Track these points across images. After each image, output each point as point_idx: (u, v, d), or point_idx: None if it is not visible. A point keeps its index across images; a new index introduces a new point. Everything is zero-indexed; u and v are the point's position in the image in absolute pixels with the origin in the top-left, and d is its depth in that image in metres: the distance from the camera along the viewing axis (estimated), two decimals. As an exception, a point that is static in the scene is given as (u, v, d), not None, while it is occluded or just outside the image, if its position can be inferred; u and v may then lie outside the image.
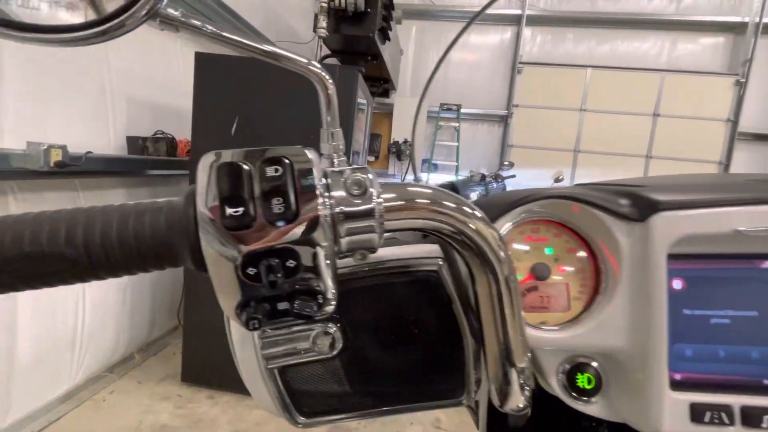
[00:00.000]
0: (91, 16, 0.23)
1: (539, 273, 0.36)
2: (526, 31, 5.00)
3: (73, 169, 1.62)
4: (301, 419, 0.40)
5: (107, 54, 2.01)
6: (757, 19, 4.41)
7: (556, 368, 0.36)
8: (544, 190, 0.35)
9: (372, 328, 0.40)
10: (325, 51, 3.26)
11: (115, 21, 0.23)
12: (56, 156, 1.52)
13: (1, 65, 1.52)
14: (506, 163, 4.03)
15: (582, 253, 0.36)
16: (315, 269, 0.24)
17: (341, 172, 0.25)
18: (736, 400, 0.32)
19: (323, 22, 2.85)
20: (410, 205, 0.26)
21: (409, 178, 5.02)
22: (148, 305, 2.41)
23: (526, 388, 0.31)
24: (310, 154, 0.24)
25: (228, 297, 0.23)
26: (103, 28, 0.23)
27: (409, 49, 5.26)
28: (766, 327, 0.32)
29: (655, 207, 0.31)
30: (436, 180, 5.18)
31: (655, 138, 4.76)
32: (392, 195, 0.25)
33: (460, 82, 5.23)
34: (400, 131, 5.23)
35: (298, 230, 0.23)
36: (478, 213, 0.27)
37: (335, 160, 0.34)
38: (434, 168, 5.24)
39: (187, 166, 2.26)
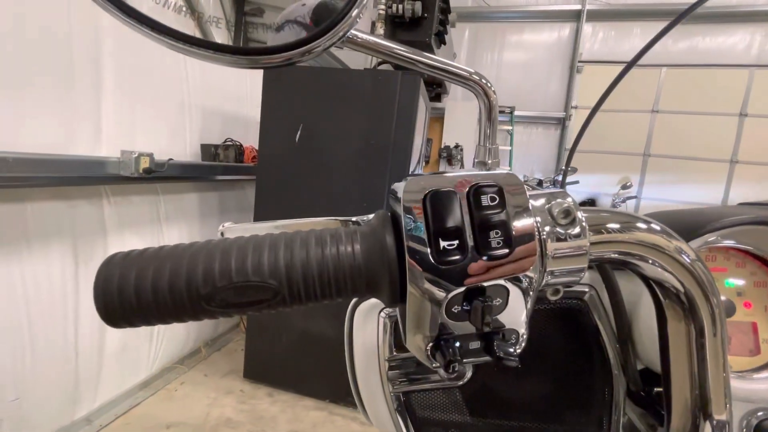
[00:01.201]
0: (292, 37, 0.22)
1: (725, 310, 0.31)
2: (587, 27, 4.71)
3: (158, 174, 1.75)
4: None
5: (186, 68, 2.17)
6: None
7: (738, 422, 0.31)
8: (738, 216, 0.30)
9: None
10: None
11: (310, 45, 0.22)
12: (145, 163, 1.65)
13: (101, 81, 1.68)
14: (569, 168, 3.81)
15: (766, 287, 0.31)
16: (519, 308, 0.21)
17: (540, 197, 0.22)
18: None
19: (380, 29, 2.88)
20: (619, 237, 0.23)
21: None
22: (214, 302, 2.56)
23: None
24: (520, 179, 0.22)
25: (422, 334, 0.22)
26: (300, 50, 0.22)
27: (462, 51, 5.17)
28: None
29: None
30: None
31: (742, 140, 4.27)
32: (599, 223, 0.23)
33: (514, 83, 5.04)
34: (451, 135, 5.15)
35: (514, 267, 0.20)
36: (698, 256, 0.23)
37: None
38: (486, 173, 5.10)
39: (253, 171, 2.37)
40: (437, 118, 5.41)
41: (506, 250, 0.20)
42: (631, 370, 0.31)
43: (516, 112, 4.93)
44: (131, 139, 1.84)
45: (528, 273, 0.20)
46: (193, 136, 2.26)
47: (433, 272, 0.20)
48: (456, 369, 0.21)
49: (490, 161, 0.30)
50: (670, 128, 4.44)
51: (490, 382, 0.38)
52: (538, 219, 0.22)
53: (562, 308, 0.34)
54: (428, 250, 0.20)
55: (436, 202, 0.20)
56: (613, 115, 4.61)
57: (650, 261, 0.23)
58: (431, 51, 3.20)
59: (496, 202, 0.20)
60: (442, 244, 0.20)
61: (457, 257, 0.20)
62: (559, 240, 0.21)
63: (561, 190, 0.23)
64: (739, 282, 0.31)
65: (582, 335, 0.34)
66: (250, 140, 2.60)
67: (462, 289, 0.20)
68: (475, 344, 0.22)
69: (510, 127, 4.99)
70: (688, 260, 0.23)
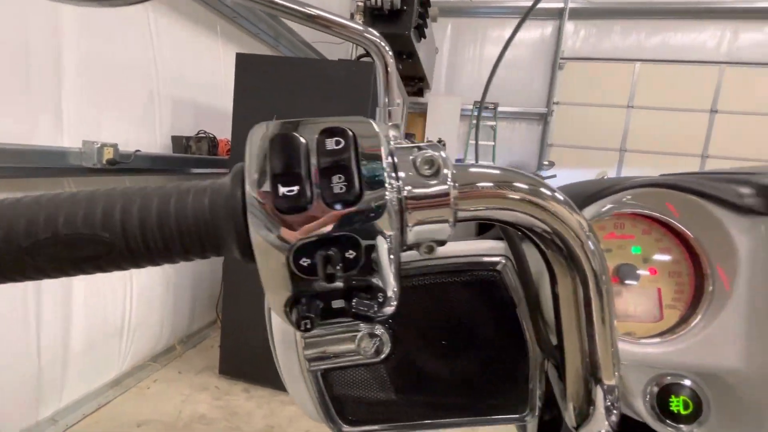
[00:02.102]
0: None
1: (624, 275, 0.31)
2: (569, 25, 4.77)
3: (123, 166, 1.70)
4: (344, 427, 0.37)
5: (155, 57, 2.11)
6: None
7: (643, 388, 0.30)
8: (637, 179, 0.30)
9: (424, 331, 0.37)
10: (360, 50, 3.26)
11: None
12: (108, 154, 1.60)
13: (61, 68, 1.62)
14: (546, 162, 3.87)
15: (678, 254, 0.30)
16: (377, 262, 0.20)
17: (409, 149, 0.21)
18: None
19: (359, 21, 2.86)
20: (490, 190, 0.22)
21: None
22: (189, 298, 2.51)
23: (614, 411, 0.26)
24: (377, 125, 0.21)
25: (277, 292, 0.20)
26: None
27: (444, 47, 5.18)
28: None
29: None
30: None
31: (713, 136, 4.39)
32: (468, 177, 0.22)
33: (497, 79, 5.06)
34: (434, 130, 5.16)
35: (362, 215, 0.19)
36: (573, 207, 0.23)
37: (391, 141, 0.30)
38: (469, 168, 5.13)
39: (227, 164, 2.33)
40: (420, 113, 5.41)
41: (351, 197, 0.19)
42: (544, 341, 0.31)
43: (499, 108, 4.97)
44: (95, 129, 1.78)
45: (380, 223, 0.19)
46: (163, 128, 2.20)
47: (274, 221, 0.19)
48: (308, 327, 0.20)
49: (390, 122, 0.29)
50: (645, 124, 4.54)
51: (414, 358, 0.37)
52: (401, 171, 0.20)
53: (477, 280, 0.34)
54: (268, 198, 0.19)
55: (276, 147, 0.19)
56: (591, 110, 4.70)
57: (529, 218, 0.22)
58: (411, 45, 3.19)
59: (342, 145, 0.19)
60: (282, 190, 0.19)
61: (298, 204, 0.19)
62: (421, 191, 0.20)
63: (434, 143, 0.22)
64: (645, 248, 0.31)
65: (499, 307, 0.33)
66: (226, 133, 2.55)
67: (305, 238, 0.19)
68: (338, 303, 0.20)
69: (493, 123, 5.03)
70: (570, 218, 0.22)
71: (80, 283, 1.79)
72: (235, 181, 0.20)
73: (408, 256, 0.35)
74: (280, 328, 0.37)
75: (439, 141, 5.16)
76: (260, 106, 2.03)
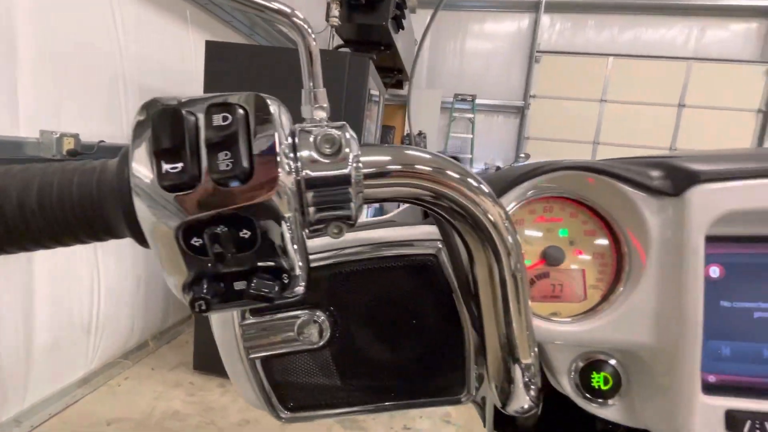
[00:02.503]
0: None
1: (551, 258, 0.32)
2: (545, 19, 4.83)
3: (86, 157, 1.63)
4: (285, 413, 0.37)
5: (120, 43, 2.02)
6: (794, 3, 4.16)
7: (568, 366, 0.32)
8: (556, 162, 0.31)
9: (364, 317, 0.37)
10: (338, 41, 3.22)
11: None
12: (69, 144, 1.53)
13: (17, 54, 1.53)
14: (522, 155, 3.93)
15: (601, 236, 0.31)
16: (278, 243, 0.20)
17: (311, 129, 0.21)
18: None
19: (336, 11, 2.81)
20: (395, 171, 0.22)
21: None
22: (162, 293, 2.45)
23: (532, 387, 0.27)
24: (273, 103, 0.20)
25: (174, 274, 0.20)
26: None
27: (425, 39, 5.16)
28: None
29: (693, 178, 0.27)
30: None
31: (680, 129, 4.56)
32: (375, 158, 0.22)
33: (475, 72, 5.12)
34: (414, 123, 5.15)
35: (252, 194, 0.19)
36: (481, 185, 0.23)
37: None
38: (449, 160, 5.17)
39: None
40: (400, 106, 5.40)
41: (239, 175, 0.18)
42: (477, 324, 0.32)
43: (477, 101, 5.01)
44: (55, 118, 1.69)
45: (276, 203, 0.19)
46: (130, 117, 2.12)
47: (158, 200, 0.18)
48: (203, 308, 0.20)
49: (315, 105, 0.28)
50: (618, 117, 4.67)
51: (356, 343, 0.37)
52: (300, 150, 0.20)
53: (415, 264, 0.34)
54: (151, 176, 0.18)
55: (159, 123, 0.18)
56: (566, 103, 4.79)
57: (437, 199, 0.22)
58: (389, 36, 3.17)
59: (229, 121, 0.18)
60: (165, 167, 0.18)
61: (183, 182, 0.18)
62: (319, 172, 0.20)
63: (342, 123, 0.22)
64: (572, 231, 0.32)
65: (436, 291, 0.34)
66: (197, 123, 2.48)
67: (192, 218, 0.19)
68: (240, 284, 0.20)
69: (471, 116, 5.07)
70: (481, 200, 0.22)
71: (43, 278, 1.72)
72: (122, 159, 0.20)
73: (344, 242, 0.35)
74: (219, 316, 0.36)
75: (419, 134, 5.16)
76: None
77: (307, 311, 0.36)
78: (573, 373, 0.31)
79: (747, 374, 0.29)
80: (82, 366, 2.00)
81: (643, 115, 4.61)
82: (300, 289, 0.22)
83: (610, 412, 0.31)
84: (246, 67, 2.00)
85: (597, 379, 0.31)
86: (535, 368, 0.27)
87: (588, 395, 0.31)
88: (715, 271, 0.29)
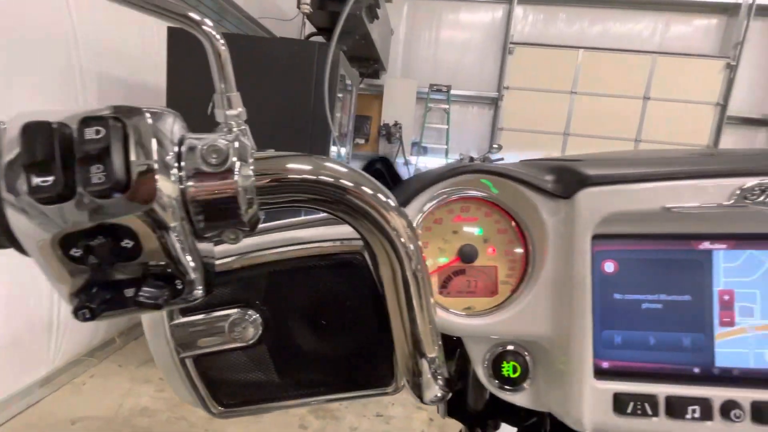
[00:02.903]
0: None
1: (465, 255, 0.34)
2: (518, 10, 4.87)
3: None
4: (218, 409, 0.38)
5: (74, 27, 1.91)
6: (750, 0, 4.34)
7: (482, 356, 0.34)
8: (462, 166, 0.32)
9: (296, 314, 0.38)
10: (311, 28, 3.15)
11: None
12: None
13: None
14: (495, 146, 3.99)
15: (512, 235, 0.33)
16: (165, 251, 0.20)
17: (199, 139, 0.21)
18: (663, 390, 0.30)
19: (307, 9, 2.75)
20: (290, 180, 0.22)
21: (399, 161, 4.97)
22: (128, 289, 2.39)
23: (439, 377, 0.29)
24: (155, 115, 0.20)
25: (59, 283, 0.20)
26: None
27: (400, 28, 5.11)
28: (700, 312, 0.31)
29: (582, 182, 0.29)
30: (428, 163, 5.13)
31: (645, 121, 4.73)
32: (269, 166, 0.22)
33: (450, 62, 5.12)
34: (390, 113, 5.14)
35: (130, 205, 0.19)
36: (378, 193, 0.24)
37: (234, 129, 0.31)
38: (424, 151, 5.19)
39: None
40: (376, 96, 5.36)
41: (113, 187, 0.19)
42: (385, 323, 0.33)
43: (452, 91, 5.02)
44: (2, 110, 1.60)
45: (161, 215, 0.20)
46: (88, 106, 2.02)
47: (32, 212, 0.19)
48: (87, 317, 0.20)
49: (229, 111, 0.29)
50: (588, 109, 4.80)
51: (288, 339, 0.38)
52: (186, 160, 0.21)
53: (342, 263, 0.35)
54: (21, 189, 0.18)
55: (28, 136, 0.19)
56: (539, 95, 4.88)
57: (337, 206, 0.23)
58: (363, 25, 3.12)
59: (101, 135, 0.19)
60: (36, 181, 0.18)
61: (54, 194, 0.18)
62: (203, 182, 0.21)
63: (240, 130, 0.22)
64: (487, 230, 0.33)
65: (364, 288, 0.35)
66: (161, 113, 2.40)
67: (68, 229, 0.19)
68: (130, 291, 0.21)
69: (447, 106, 5.09)
70: (379, 205, 0.24)
71: (0, 275, 1.65)
72: None
73: (271, 241, 0.36)
74: (148, 317, 0.36)
75: (395, 124, 5.16)
76: (196, 85, 1.92)
77: (238, 310, 0.36)
78: (486, 363, 0.33)
79: (635, 360, 0.32)
80: (43, 365, 1.94)
81: (611, 107, 4.75)
82: (198, 292, 0.22)
83: (518, 397, 0.33)
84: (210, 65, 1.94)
85: (507, 368, 0.33)
86: (439, 360, 0.29)
87: (499, 383, 0.33)
88: (609, 267, 0.31)
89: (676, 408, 0.29)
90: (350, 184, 0.23)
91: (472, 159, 4.07)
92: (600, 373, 0.32)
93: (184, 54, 1.94)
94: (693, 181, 0.27)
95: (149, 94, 2.43)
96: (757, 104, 4.64)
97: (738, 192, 0.26)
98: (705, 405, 0.29)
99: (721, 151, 0.32)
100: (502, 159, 3.91)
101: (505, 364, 0.33)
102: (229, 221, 0.22)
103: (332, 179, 0.23)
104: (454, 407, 0.46)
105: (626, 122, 4.76)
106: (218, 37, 0.28)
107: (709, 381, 0.30)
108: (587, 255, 0.29)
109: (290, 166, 0.23)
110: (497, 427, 0.46)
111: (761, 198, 0.26)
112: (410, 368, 0.28)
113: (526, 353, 0.33)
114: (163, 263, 0.21)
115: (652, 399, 0.30)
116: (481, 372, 0.34)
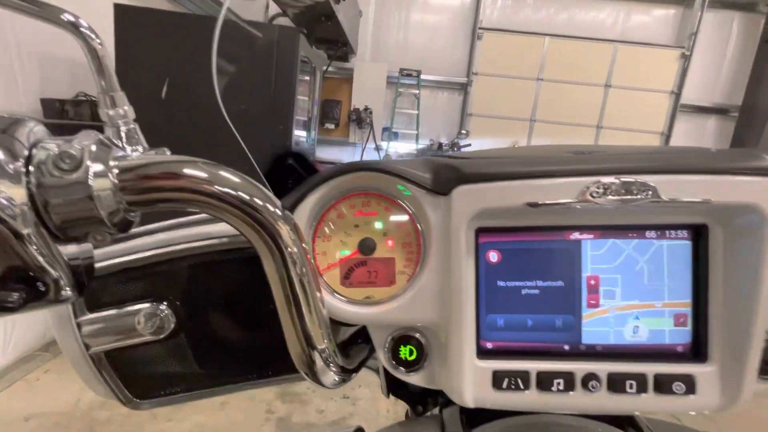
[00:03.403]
0: None
1: (364, 248, 0.35)
2: (488, -5, 4.88)
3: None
4: (134, 401, 0.39)
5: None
6: (704, -9, 4.53)
7: (384, 341, 0.36)
8: (348, 165, 0.34)
9: (209, 307, 0.39)
10: (275, 9, 3.04)
11: None
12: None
13: None
14: (463, 132, 4.05)
15: (408, 228, 0.36)
16: (21, 256, 0.21)
17: (52, 144, 0.22)
18: (535, 366, 0.33)
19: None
20: (157, 185, 0.23)
21: (370, 147, 4.95)
22: (84, 281, 2.30)
23: (332, 365, 0.31)
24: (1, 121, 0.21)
25: None
26: None
27: (370, 10, 5.01)
28: (570, 296, 0.34)
29: (457, 180, 0.31)
30: (399, 149, 5.14)
31: (606, 108, 4.91)
32: (133, 167, 0.23)
33: (421, 46, 5.09)
34: (360, 97, 5.08)
35: None
36: (255, 197, 0.25)
37: (122, 129, 0.31)
38: (395, 137, 5.18)
39: (116, 132, 2.09)
40: (346, 79, 5.27)
41: None
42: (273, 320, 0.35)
43: (422, 76, 5.01)
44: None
45: (5, 219, 0.20)
46: (28, 88, 1.89)
47: None
48: None
49: (113, 110, 0.29)
50: (553, 96, 4.92)
51: (202, 330, 0.39)
52: (33, 160, 0.21)
53: (249, 256, 0.36)
54: None
55: None
56: (507, 81, 4.95)
57: (210, 209, 0.24)
58: (328, 6, 3.04)
59: None
60: None
61: None
62: (54, 186, 0.21)
63: (99, 136, 0.23)
64: (386, 223, 0.35)
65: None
66: (112, 96, 2.27)
67: None
68: None
69: (417, 91, 5.08)
70: (260, 205, 0.24)
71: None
72: None
73: (174, 238, 0.37)
74: (54, 311, 0.36)
75: (366, 109, 5.11)
76: (147, 67, 1.83)
77: (149, 305, 0.37)
78: (386, 348, 0.36)
79: (515, 340, 0.35)
80: (-8, 362, 1.86)
81: (575, 95, 4.89)
82: (66, 293, 0.23)
83: (415, 378, 0.36)
84: (164, 35, 1.85)
85: (404, 352, 0.35)
86: (330, 350, 0.31)
87: (398, 365, 0.36)
88: (494, 257, 0.34)
89: (544, 382, 0.33)
90: (222, 188, 0.24)
91: (440, 146, 4.10)
92: (484, 353, 0.35)
93: (133, 36, 1.84)
94: (549, 180, 0.30)
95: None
96: (707, 93, 4.90)
97: (584, 190, 0.29)
98: (568, 378, 0.33)
99: (595, 149, 0.34)
100: (469, 145, 3.97)
101: (402, 348, 0.35)
102: (90, 225, 0.22)
103: (202, 184, 0.24)
104: (397, 387, 0.49)
105: (589, 109, 4.92)
106: (93, 36, 0.28)
107: (576, 357, 0.34)
108: (464, 247, 0.32)
109: (157, 170, 0.23)
110: (437, 404, 0.49)
111: (603, 195, 0.29)
112: (303, 360, 0.30)
113: (421, 338, 0.36)
114: (19, 268, 0.21)
115: (524, 375, 0.33)
116: (382, 356, 0.36)
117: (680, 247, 0.33)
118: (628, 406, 0.33)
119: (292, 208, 0.34)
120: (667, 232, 0.33)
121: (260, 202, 0.25)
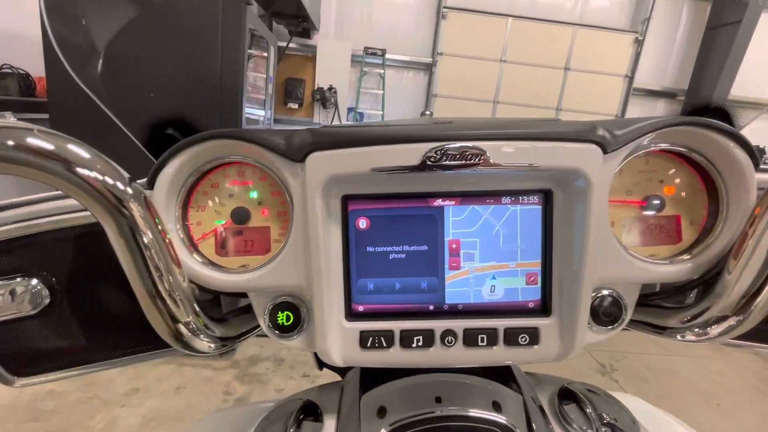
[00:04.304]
0: None
1: (237, 217, 0.36)
2: (452, -28, 4.82)
3: None
4: (17, 380, 0.38)
5: None
6: (658, -22, 4.67)
7: (263, 309, 0.37)
8: (211, 132, 0.34)
9: (85, 280, 0.39)
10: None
11: None
12: None
13: None
14: (427, 113, 4.05)
15: (284, 196, 0.36)
16: None
17: None
18: (399, 326, 0.36)
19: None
20: None
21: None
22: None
23: (202, 335, 0.32)
24: None
25: None
26: None
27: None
28: (434, 259, 0.36)
29: (311, 147, 0.32)
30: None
31: (565, 91, 5.05)
32: None
33: (385, 24, 4.99)
34: (324, 76, 4.95)
35: None
36: (92, 165, 0.25)
37: None
38: (360, 117, 5.12)
39: (49, 108, 1.95)
40: (309, 57, 5.11)
41: None
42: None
43: (387, 56, 4.94)
44: None
45: None
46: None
47: None
48: None
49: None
50: (515, 77, 5.00)
51: (84, 304, 0.39)
52: None
53: None
54: None
55: None
56: (471, 62, 4.97)
57: (43, 174, 0.24)
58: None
59: None
60: None
61: None
62: None
63: None
64: (261, 192, 0.36)
65: None
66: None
67: None
68: None
69: (382, 71, 5.01)
70: (79, 174, 0.24)
71: None
72: None
73: (37, 212, 0.36)
74: None
75: (330, 88, 4.99)
76: (82, 40, 1.70)
77: (19, 279, 0.36)
78: (266, 315, 0.37)
79: (383, 303, 0.37)
80: None
81: (537, 77, 4.99)
82: None
83: (293, 342, 0.37)
84: (95, 8, 1.71)
85: (281, 318, 0.37)
86: (196, 321, 0.31)
87: (276, 331, 0.37)
88: (363, 223, 0.36)
89: (406, 340, 0.35)
90: (55, 155, 0.24)
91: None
92: (355, 316, 0.36)
93: (64, 4, 1.69)
94: (391, 146, 0.31)
95: (32, 47, 2.11)
96: (658, 77, 5.13)
97: (423, 155, 0.31)
98: (428, 335, 0.35)
99: (461, 120, 0.36)
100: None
101: (280, 314, 0.37)
102: None
103: (34, 151, 0.23)
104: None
105: (549, 92, 5.05)
106: None
107: (439, 316, 0.36)
108: (320, 213, 0.33)
109: None
110: None
111: (440, 161, 0.31)
112: (169, 333, 0.31)
113: (298, 303, 0.37)
114: None
115: (389, 334, 0.35)
116: (262, 323, 0.37)
117: (531, 211, 0.35)
118: (482, 358, 0.36)
119: (152, 178, 0.34)
120: (520, 197, 0.35)
121: (98, 175, 0.25)
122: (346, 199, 0.35)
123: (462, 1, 4.91)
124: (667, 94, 5.20)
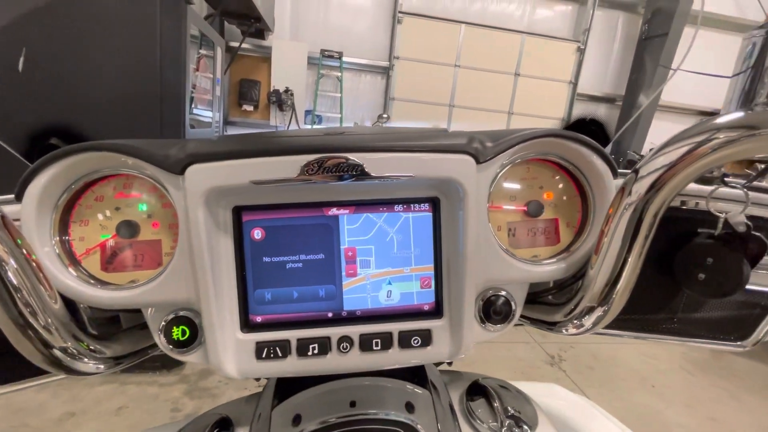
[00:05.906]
0: None
1: (122, 231, 0.35)
2: (407, -22, 4.92)
3: None
4: None
5: None
6: (595, -9, 5.02)
7: (158, 325, 0.36)
8: (87, 143, 0.32)
9: None
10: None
11: None
12: None
13: None
14: (384, 116, 4.09)
15: (173, 208, 0.35)
16: None
17: None
18: (295, 335, 0.36)
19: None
20: None
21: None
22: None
23: (85, 357, 0.31)
24: None
25: None
26: None
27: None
28: (330, 267, 0.37)
29: (189, 159, 0.32)
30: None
31: (516, 96, 5.29)
32: None
33: (342, 27, 4.99)
34: (280, 78, 4.86)
35: None
36: None
37: None
38: (318, 120, 5.07)
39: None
40: (264, 58, 4.99)
41: None
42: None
43: (345, 59, 4.93)
44: None
45: None
46: None
47: None
48: None
49: None
50: (470, 82, 5.17)
51: None
52: None
53: None
54: None
55: None
56: (427, 66, 5.08)
57: None
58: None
59: None
60: None
61: None
62: None
63: None
64: (150, 205, 0.35)
65: None
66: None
67: None
68: None
69: (339, 74, 5.00)
70: None
71: None
72: None
73: None
74: None
75: (287, 90, 4.91)
76: (4, 36, 1.56)
77: None
78: (160, 330, 0.36)
79: (283, 312, 0.37)
80: None
81: (489, 82, 5.20)
82: None
83: (192, 357, 0.36)
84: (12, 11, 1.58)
85: (176, 333, 0.36)
86: (74, 347, 0.30)
87: (172, 347, 0.36)
88: (258, 234, 0.36)
89: (302, 348, 0.35)
90: None
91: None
92: (252, 327, 0.36)
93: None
94: (269, 158, 0.32)
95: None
96: (598, 83, 5.51)
97: (301, 167, 0.32)
98: (324, 343, 0.36)
99: (354, 130, 0.37)
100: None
101: (175, 329, 0.36)
102: None
103: None
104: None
105: (502, 96, 5.27)
106: None
107: (337, 323, 0.37)
108: (202, 225, 0.32)
109: None
110: None
111: (318, 173, 0.32)
112: (44, 359, 0.29)
113: (193, 317, 0.36)
114: None
115: (285, 343, 0.35)
116: (157, 339, 0.36)
117: (423, 218, 0.37)
118: (378, 362, 0.37)
119: (20, 191, 0.32)
120: (412, 205, 0.37)
121: None
122: (240, 210, 0.35)
123: (417, 7, 5.02)
124: (607, 99, 5.59)
